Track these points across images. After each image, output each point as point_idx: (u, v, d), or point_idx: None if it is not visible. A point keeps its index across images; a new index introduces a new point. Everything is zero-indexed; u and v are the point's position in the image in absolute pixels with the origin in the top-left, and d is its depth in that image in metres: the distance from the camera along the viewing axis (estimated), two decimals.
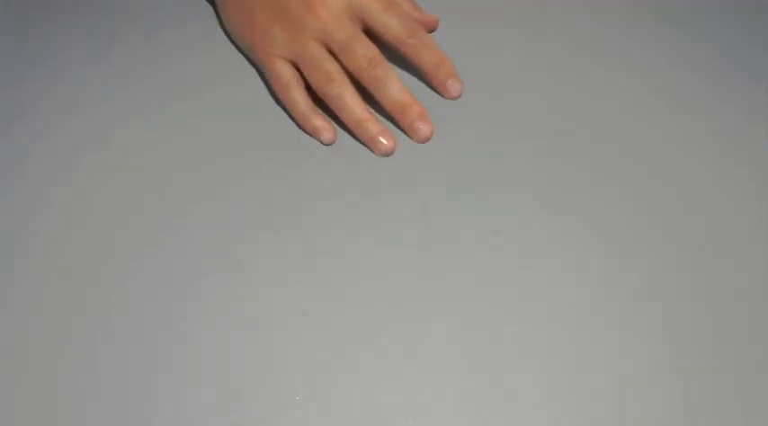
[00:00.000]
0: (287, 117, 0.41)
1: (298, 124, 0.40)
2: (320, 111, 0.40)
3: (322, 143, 0.39)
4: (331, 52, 0.39)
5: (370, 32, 0.40)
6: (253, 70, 0.43)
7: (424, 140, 0.39)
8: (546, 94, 0.41)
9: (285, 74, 0.40)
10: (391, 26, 0.39)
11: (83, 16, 0.46)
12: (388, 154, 0.39)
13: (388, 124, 0.40)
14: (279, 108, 0.41)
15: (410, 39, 0.39)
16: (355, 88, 0.39)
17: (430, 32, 0.43)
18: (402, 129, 0.40)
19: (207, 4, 0.46)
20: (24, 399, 0.32)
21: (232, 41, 0.44)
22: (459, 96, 0.41)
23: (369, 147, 0.39)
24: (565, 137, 0.39)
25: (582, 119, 0.40)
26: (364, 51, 0.39)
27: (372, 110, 0.40)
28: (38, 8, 0.47)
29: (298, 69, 0.40)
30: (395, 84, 0.39)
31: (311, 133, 0.40)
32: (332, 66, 0.39)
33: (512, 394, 0.31)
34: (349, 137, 0.40)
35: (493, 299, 0.34)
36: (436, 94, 0.41)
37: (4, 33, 0.45)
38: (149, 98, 0.42)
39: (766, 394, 0.31)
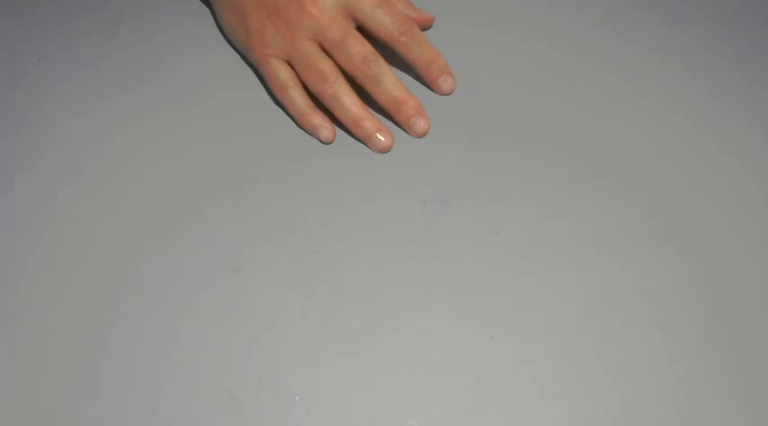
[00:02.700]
0: (285, 116, 0.41)
1: (297, 123, 0.40)
2: (318, 110, 0.40)
3: (321, 141, 0.39)
4: (325, 50, 0.39)
5: (363, 30, 0.40)
6: (251, 70, 0.43)
7: (422, 135, 0.39)
8: (546, 93, 0.41)
9: (281, 74, 0.40)
10: (384, 23, 0.39)
11: (83, 16, 0.46)
12: (386, 150, 0.39)
13: (386, 121, 0.40)
14: (277, 107, 0.41)
15: (402, 36, 0.39)
16: (351, 86, 0.39)
17: (424, 30, 0.43)
18: (399, 125, 0.40)
19: (206, 4, 0.46)
20: (25, 399, 0.32)
21: (229, 43, 0.44)
22: (452, 92, 0.41)
23: (366, 145, 0.39)
24: (565, 136, 0.39)
25: (582, 118, 0.40)
26: (358, 49, 0.39)
27: (368, 108, 0.40)
28: (38, 8, 0.46)
29: (294, 69, 0.40)
30: (390, 81, 0.39)
31: (310, 132, 0.40)
32: (326, 65, 0.39)
33: (512, 394, 0.31)
34: (348, 136, 0.40)
35: (493, 299, 0.34)
36: (438, 95, 0.41)
37: (4, 33, 0.45)
38: (148, 98, 0.42)
39: (766, 394, 0.31)
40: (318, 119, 0.39)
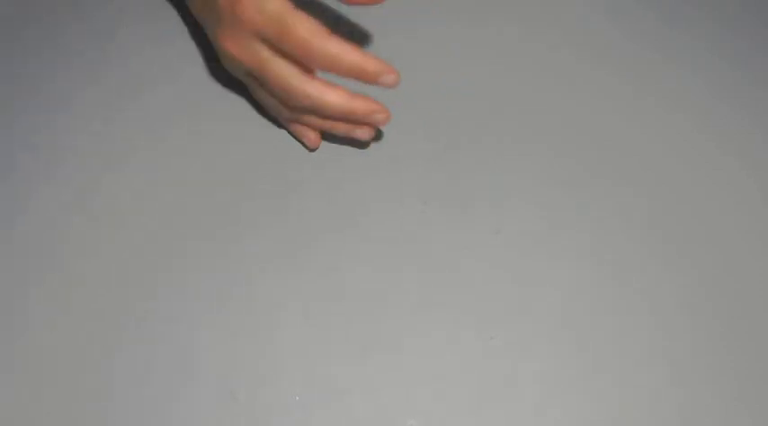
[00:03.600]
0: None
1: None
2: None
3: (307, 148, 0.39)
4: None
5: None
6: None
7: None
8: (546, 93, 0.41)
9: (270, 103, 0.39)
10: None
11: (82, 16, 0.46)
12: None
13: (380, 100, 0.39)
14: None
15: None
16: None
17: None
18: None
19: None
20: (25, 399, 0.32)
21: None
22: (398, 82, 0.35)
23: (369, 122, 0.37)
24: (565, 136, 0.39)
25: (582, 118, 0.40)
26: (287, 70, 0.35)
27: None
28: (38, 8, 0.47)
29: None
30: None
31: (297, 137, 0.39)
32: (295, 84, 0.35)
33: (512, 394, 0.31)
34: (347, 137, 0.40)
35: (493, 299, 0.34)
36: (438, 95, 0.41)
37: (4, 33, 0.45)
38: (149, 101, 0.42)
39: (766, 394, 0.31)
40: (300, 126, 0.38)
